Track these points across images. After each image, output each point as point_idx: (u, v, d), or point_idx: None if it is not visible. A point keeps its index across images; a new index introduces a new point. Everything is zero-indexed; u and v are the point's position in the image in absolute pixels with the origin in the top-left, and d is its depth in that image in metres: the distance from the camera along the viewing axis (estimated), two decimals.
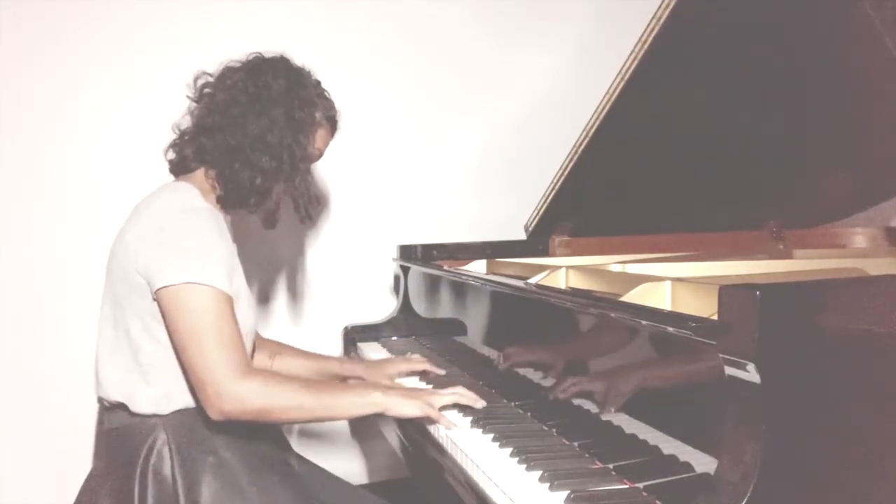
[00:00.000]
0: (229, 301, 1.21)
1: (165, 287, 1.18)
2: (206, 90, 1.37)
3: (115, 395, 1.26)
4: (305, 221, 1.44)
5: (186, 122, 1.39)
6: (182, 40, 1.91)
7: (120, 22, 1.89)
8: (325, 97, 1.44)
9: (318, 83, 1.44)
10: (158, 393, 1.23)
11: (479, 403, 1.28)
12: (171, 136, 1.41)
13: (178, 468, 1.19)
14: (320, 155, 1.47)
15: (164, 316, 1.20)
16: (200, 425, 1.23)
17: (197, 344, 1.16)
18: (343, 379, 1.61)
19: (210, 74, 1.39)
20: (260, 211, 1.40)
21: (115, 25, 1.89)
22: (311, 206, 1.41)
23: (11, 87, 1.82)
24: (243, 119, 1.32)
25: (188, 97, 1.40)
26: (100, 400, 1.31)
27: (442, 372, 1.56)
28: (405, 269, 2.04)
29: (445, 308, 1.80)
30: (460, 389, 1.30)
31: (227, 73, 1.37)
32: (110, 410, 1.28)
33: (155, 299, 1.21)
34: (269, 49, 1.42)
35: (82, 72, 1.87)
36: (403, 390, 1.33)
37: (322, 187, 2.14)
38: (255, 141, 1.31)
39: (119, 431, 1.26)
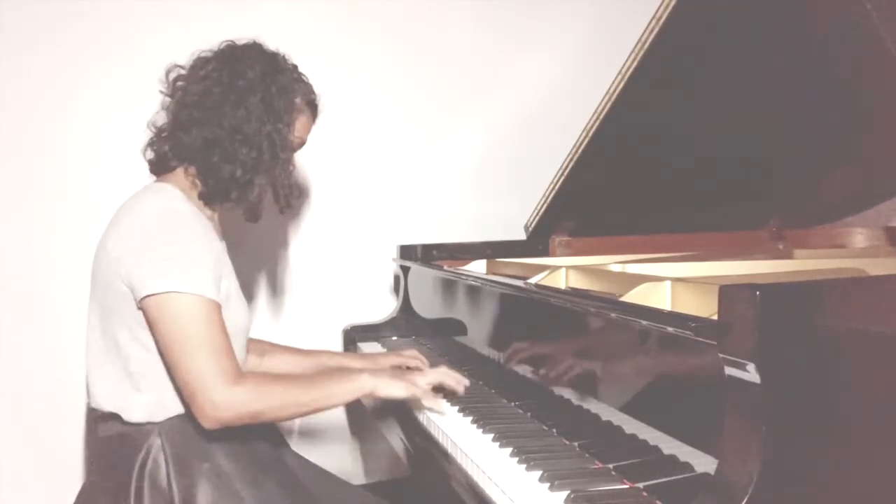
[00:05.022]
0: (217, 308, 1.18)
1: (150, 296, 1.14)
2: (179, 83, 1.30)
3: (107, 406, 1.22)
4: (285, 211, 1.38)
5: (162, 119, 1.32)
6: (183, 40, 1.89)
7: (121, 21, 1.89)
8: (303, 81, 1.36)
9: (295, 67, 1.36)
10: (152, 401, 1.21)
11: (463, 383, 1.33)
12: (148, 135, 1.34)
13: (174, 475, 1.16)
14: (302, 143, 1.39)
15: (150, 325, 1.17)
16: (196, 431, 1.19)
17: (185, 354, 1.13)
18: None
19: (182, 67, 1.32)
20: (242, 204, 1.33)
21: (116, 25, 1.89)
22: (291, 196, 1.36)
23: (12, 86, 1.82)
24: (219, 111, 1.25)
25: (161, 92, 1.33)
26: (92, 410, 1.27)
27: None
28: (405, 269, 2.04)
29: (445, 308, 1.80)
30: (444, 369, 1.34)
31: (199, 63, 1.30)
32: (104, 420, 1.25)
33: (140, 308, 1.17)
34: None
35: (82, 72, 1.87)
36: (390, 372, 1.34)
37: (322, 187, 2.14)
38: (233, 133, 1.25)
39: (113, 439, 1.23)
